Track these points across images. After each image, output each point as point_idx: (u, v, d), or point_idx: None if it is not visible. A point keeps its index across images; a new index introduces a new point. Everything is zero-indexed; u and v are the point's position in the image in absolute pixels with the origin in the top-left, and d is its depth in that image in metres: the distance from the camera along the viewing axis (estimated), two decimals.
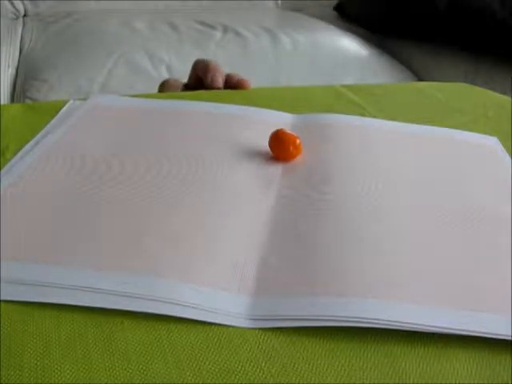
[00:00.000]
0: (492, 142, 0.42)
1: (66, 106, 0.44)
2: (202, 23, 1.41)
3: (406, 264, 0.27)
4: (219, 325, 0.24)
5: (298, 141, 0.37)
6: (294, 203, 0.32)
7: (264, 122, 0.42)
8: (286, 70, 1.26)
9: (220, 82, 0.51)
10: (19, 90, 1.19)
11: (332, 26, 1.57)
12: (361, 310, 0.24)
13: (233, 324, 0.24)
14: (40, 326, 0.23)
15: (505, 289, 0.26)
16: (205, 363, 0.22)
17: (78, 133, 0.39)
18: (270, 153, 0.37)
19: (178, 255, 0.27)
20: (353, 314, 0.24)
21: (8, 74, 1.25)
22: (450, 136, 0.42)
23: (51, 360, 0.22)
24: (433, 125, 0.44)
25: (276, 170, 0.36)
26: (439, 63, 1.44)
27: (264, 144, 0.37)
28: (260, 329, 0.24)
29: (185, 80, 0.55)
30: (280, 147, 0.37)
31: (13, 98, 1.19)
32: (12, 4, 1.59)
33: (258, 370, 0.22)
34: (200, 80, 0.52)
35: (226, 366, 0.22)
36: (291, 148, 0.37)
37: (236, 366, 0.22)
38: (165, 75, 1.11)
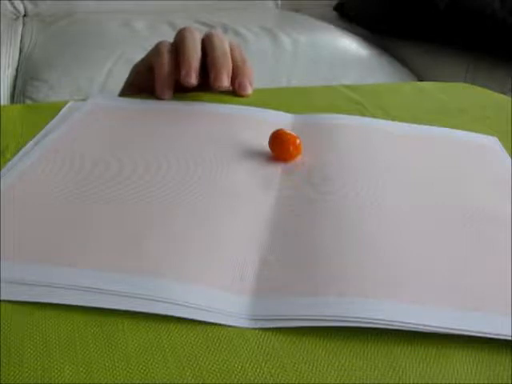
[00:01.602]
0: (492, 142, 0.42)
1: (66, 106, 0.44)
2: (202, 23, 1.41)
3: (406, 264, 0.27)
4: (219, 325, 0.24)
5: (297, 141, 0.37)
6: (294, 203, 0.32)
7: (264, 122, 0.42)
8: (286, 70, 1.26)
9: (224, 85, 0.45)
10: (19, 90, 1.19)
11: (332, 26, 1.57)
12: (361, 310, 0.24)
13: (233, 324, 0.24)
14: (40, 326, 0.23)
15: (505, 289, 0.26)
16: (205, 363, 0.22)
17: (78, 133, 0.39)
18: (270, 153, 0.37)
19: (178, 255, 0.27)
20: (353, 313, 0.24)
21: (8, 73, 1.25)
22: (450, 136, 0.42)
23: (51, 360, 0.22)
24: (433, 125, 0.44)
25: (276, 170, 0.36)
26: (439, 63, 1.44)
27: (264, 144, 0.37)
28: (260, 329, 0.24)
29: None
30: (280, 147, 0.37)
31: (13, 98, 1.19)
32: (12, 4, 1.60)
33: (258, 370, 0.22)
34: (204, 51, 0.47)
35: (226, 366, 0.22)
36: (291, 148, 0.37)
37: (236, 365, 0.22)
38: None
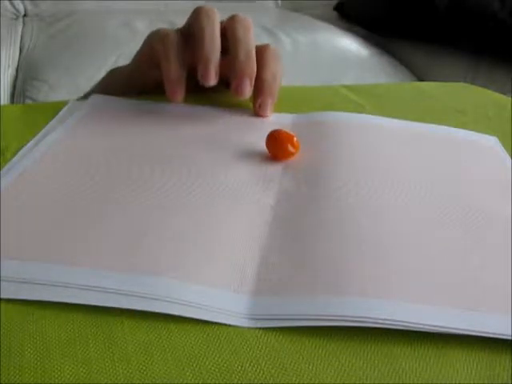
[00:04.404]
0: (492, 142, 0.42)
1: (66, 106, 0.44)
2: None
3: (406, 263, 0.27)
4: (219, 324, 0.24)
5: (295, 139, 0.37)
6: (293, 202, 0.32)
7: (264, 124, 0.42)
8: (286, 70, 1.26)
9: (246, 96, 0.41)
10: (19, 90, 1.20)
11: (332, 26, 1.57)
12: (361, 310, 0.24)
13: (233, 323, 0.24)
14: (40, 326, 0.23)
15: (505, 288, 0.26)
16: (205, 363, 0.22)
17: (78, 133, 0.39)
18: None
19: (179, 254, 0.27)
20: (353, 313, 0.24)
21: (8, 73, 1.25)
22: (450, 135, 0.42)
23: (51, 360, 0.22)
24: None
25: (276, 169, 0.36)
26: (439, 63, 1.44)
27: (264, 145, 0.37)
28: (260, 328, 0.24)
29: None
30: (277, 147, 0.37)
31: (13, 97, 1.19)
32: (12, 4, 1.60)
33: (258, 370, 0.22)
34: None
35: (226, 365, 0.22)
36: (289, 146, 0.36)
37: (236, 366, 0.22)
38: None
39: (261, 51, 0.44)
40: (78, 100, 0.45)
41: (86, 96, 0.50)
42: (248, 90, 0.41)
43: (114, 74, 0.52)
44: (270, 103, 0.43)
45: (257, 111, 0.43)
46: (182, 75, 0.43)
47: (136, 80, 0.48)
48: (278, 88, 0.44)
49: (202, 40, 0.41)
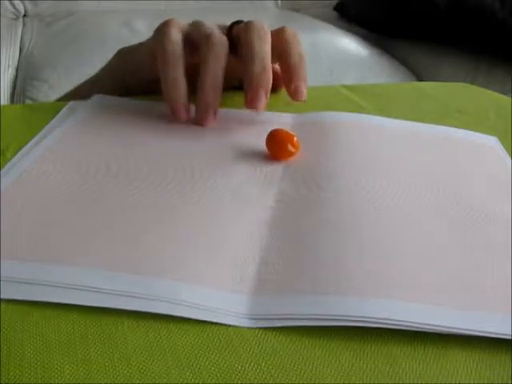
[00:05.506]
0: (492, 142, 0.42)
1: (66, 106, 0.44)
2: None
3: (406, 263, 0.27)
4: (219, 324, 0.24)
5: (295, 139, 0.37)
6: (294, 202, 0.32)
7: (264, 124, 0.42)
8: None
9: (259, 110, 0.40)
10: (19, 90, 1.20)
11: (332, 26, 1.57)
12: (361, 310, 0.24)
13: (233, 323, 0.24)
14: (40, 326, 0.23)
15: (505, 288, 0.26)
16: (205, 363, 0.22)
17: (78, 133, 0.39)
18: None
19: (178, 255, 0.27)
20: (353, 313, 0.24)
21: (8, 73, 1.25)
22: (450, 134, 0.42)
23: (51, 360, 0.22)
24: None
25: (276, 169, 0.36)
26: (439, 63, 1.44)
27: (264, 144, 0.37)
28: (260, 328, 0.24)
29: None
30: (277, 147, 0.37)
31: (13, 98, 1.19)
32: (12, 4, 1.60)
33: (258, 370, 0.22)
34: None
35: (225, 365, 0.22)
36: (289, 146, 0.37)
37: (236, 365, 0.22)
38: None
39: (279, 35, 0.43)
40: (71, 91, 0.45)
41: (81, 87, 0.51)
42: (263, 104, 0.40)
43: (123, 54, 0.50)
44: (304, 86, 0.42)
45: (292, 96, 0.42)
46: (184, 98, 0.41)
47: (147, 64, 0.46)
48: (306, 69, 0.43)
49: (205, 79, 0.40)
